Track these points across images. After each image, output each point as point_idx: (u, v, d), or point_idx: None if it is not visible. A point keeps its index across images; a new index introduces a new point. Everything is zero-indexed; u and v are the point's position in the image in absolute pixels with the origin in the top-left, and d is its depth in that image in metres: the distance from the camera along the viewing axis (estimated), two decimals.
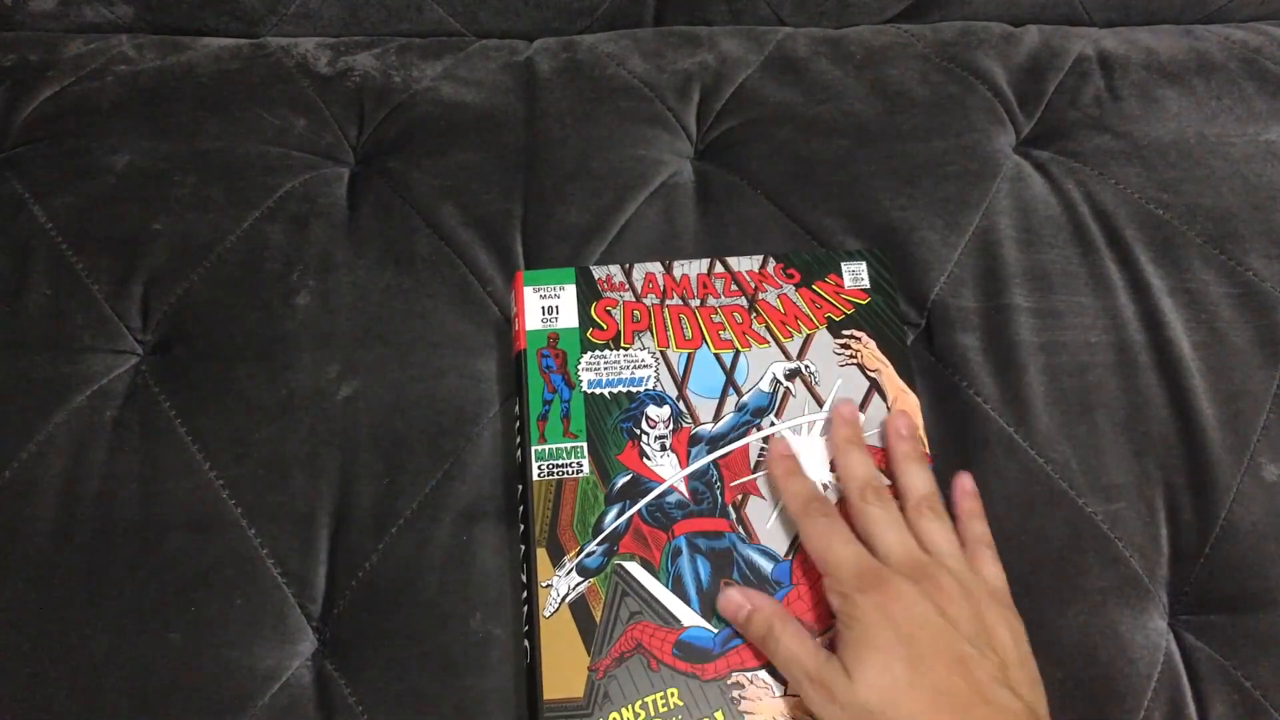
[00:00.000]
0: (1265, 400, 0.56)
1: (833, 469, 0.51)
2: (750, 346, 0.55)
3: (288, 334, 0.58)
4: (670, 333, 0.55)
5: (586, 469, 0.52)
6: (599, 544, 0.50)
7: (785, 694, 0.47)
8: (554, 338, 0.55)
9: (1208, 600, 0.53)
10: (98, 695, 0.50)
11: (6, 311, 0.59)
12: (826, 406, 0.53)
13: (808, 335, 0.55)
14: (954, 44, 0.71)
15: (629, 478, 0.52)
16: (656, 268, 0.57)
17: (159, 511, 0.53)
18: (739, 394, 0.54)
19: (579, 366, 0.54)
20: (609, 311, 0.55)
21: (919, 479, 0.50)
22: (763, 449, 0.52)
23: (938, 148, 0.65)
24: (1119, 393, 0.57)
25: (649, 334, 0.55)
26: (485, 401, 0.57)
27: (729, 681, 0.47)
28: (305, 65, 0.71)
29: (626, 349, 0.54)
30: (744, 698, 0.47)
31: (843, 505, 0.50)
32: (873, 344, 0.55)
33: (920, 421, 0.54)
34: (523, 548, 0.51)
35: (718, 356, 0.55)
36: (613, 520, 0.51)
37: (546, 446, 0.52)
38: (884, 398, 0.54)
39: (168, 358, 0.58)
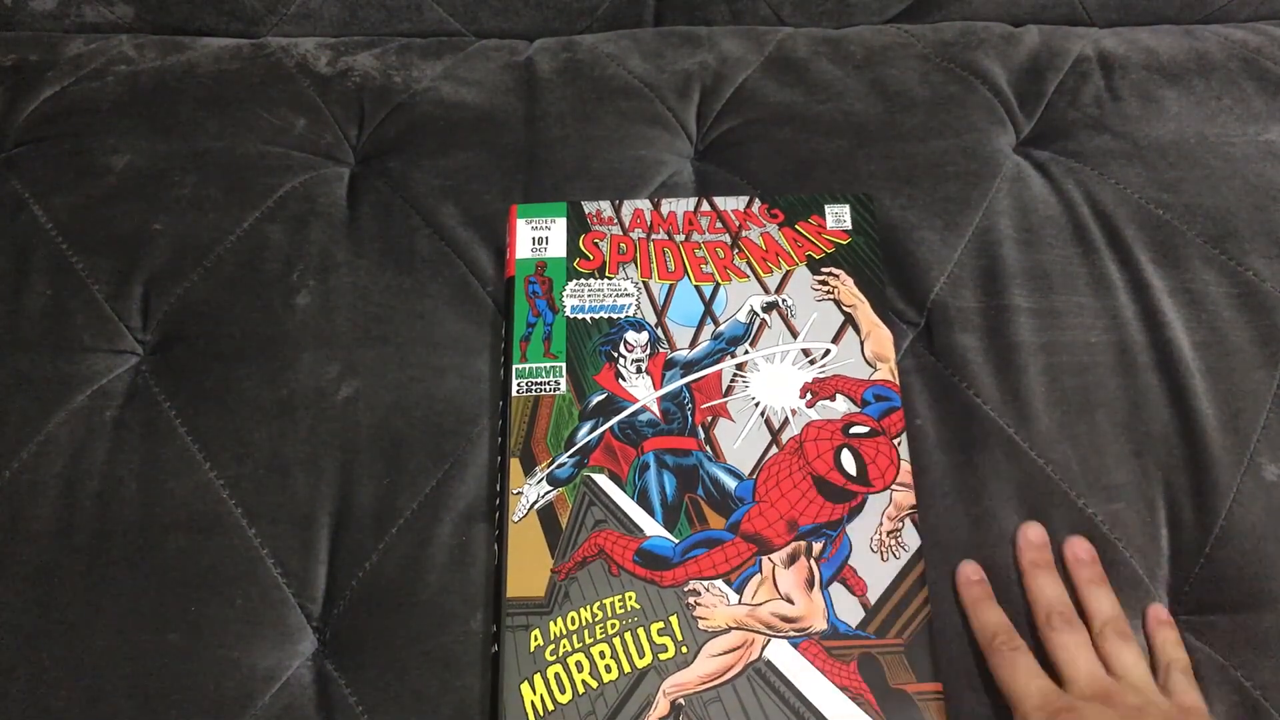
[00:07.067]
0: (1265, 400, 0.56)
1: (1021, 591, 0.52)
2: (730, 280, 0.57)
3: (288, 334, 0.58)
4: (654, 264, 0.57)
5: (564, 387, 0.54)
6: (570, 456, 0.52)
7: (739, 603, 0.49)
8: (542, 266, 0.57)
9: (1208, 600, 0.53)
10: (98, 695, 0.50)
11: (6, 311, 0.59)
12: (800, 338, 0.55)
13: (787, 271, 0.57)
14: (954, 44, 0.71)
15: (604, 396, 0.54)
16: (645, 204, 0.59)
17: (159, 511, 0.53)
18: (716, 324, 0.56)
19: (564, 293, 0.56)
20: (596, 243, 0.58)
21: (1104, 603, 0.50)
22: (735, 374, 0.54)
23: (938, 148, 0.65)
24: (1119, 393, 0.57)
25: (633, 265, 0.57)
26: (485, 401, 0.57)
27: (686, 589, 0.49)
28: (305, 65, 0.71)
29: (611, 279, 0.57)
30: (699, 604, 0.49)
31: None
32: (850, 281, 0.57)
33: (892, 355, 0.55)
34: (499, 458, 0.53)
35: (698, 288, 0.57)
36: (585, 435, 0.53)
37: (527, 365, 0.54)
38: (858, 332, 0.56)
39: (168, 358, 0.58)
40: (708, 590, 0.49)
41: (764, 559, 0.50)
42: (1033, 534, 0.53)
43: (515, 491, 0.52)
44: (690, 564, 0.50)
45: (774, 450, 0.52)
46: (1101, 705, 0.45)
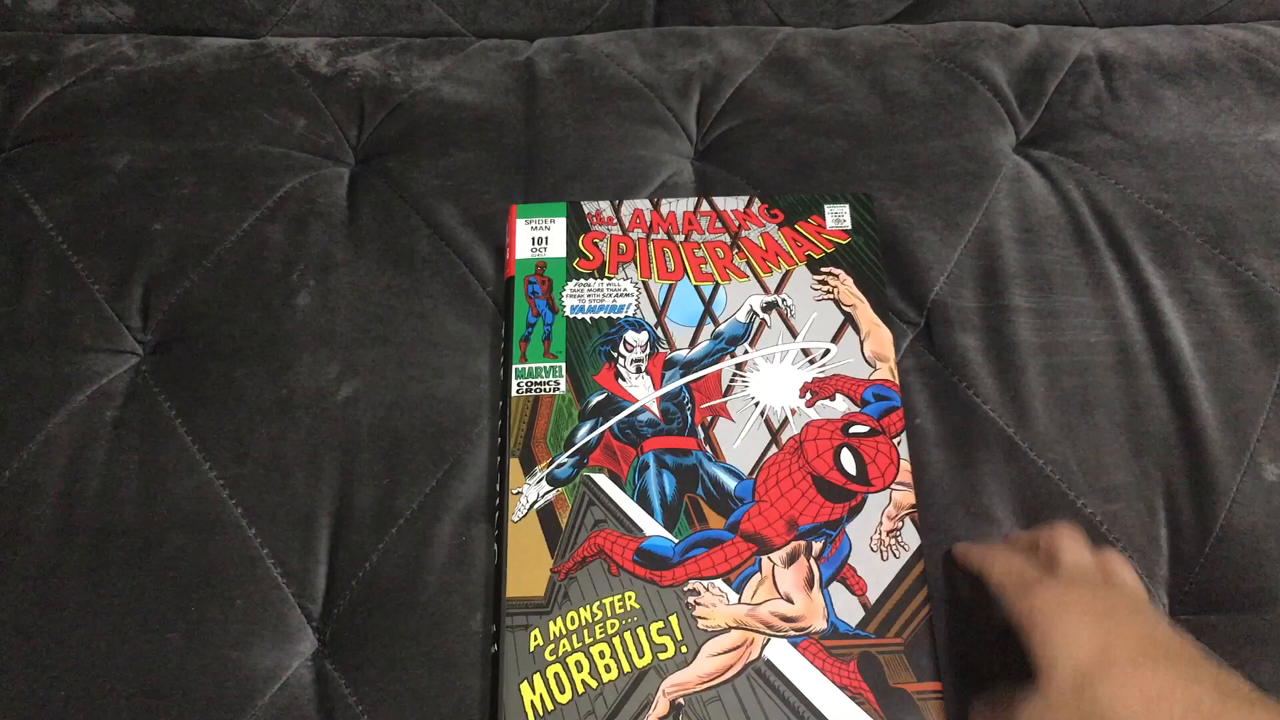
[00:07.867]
0: (1265, 400, 0.56)
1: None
2: (730, 280, 0.57)
3: (288, 334, 0.58)
4: (654, 264, 0.57)
5: (563, 387, 0.54)
6: (569, 456, 0.53)
7: (739, 602, 0.49)
8: (541, 266, 0.57)
9: (1208, 600, 0.53)
10: (98, 695, 0.50)
11: (6, 311, 0.59)
12: (800, 338, 0.55)
13: (787, 271, 0.58)
14: (954, 44, 0.71)
15: (603, 396, 0.54)
16: (645, 204, 0.59)
17: (159, 511, 0.53)
18: (715, 323, 0.56)
19: (563, 293, 0.57)
20: (596, 243, 0.58)
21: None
22: (734, 374, 0.54)
23: (938, 148, 0.65)
24: (1119, 393, 0.57)
25: (633, 265, 0.57)
26: (485, 401, 0.57)
27: (685, 588, 0.49)
28: (305, 65, 0.71)
29: (610, 279, 0.57)
30: (698, 604, 0.49)
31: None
32: (849, 280, 0.57)
33: (892, 354, 0.55)
34: (499, 458, 0.53)
35: (698, 288, 0.57)
36: (585, 435, 0.53)
37: (527, 365, 0.55)
38: (858, 331, 0.56)
39: (168, 358, 0.58)
40: (707, 590, 0.49)
41: (764, 558, 0.50)
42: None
43: (515, 491, 0.52)
44: (690, 564, 0.50)
45: (774, 450, 0.52)
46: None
